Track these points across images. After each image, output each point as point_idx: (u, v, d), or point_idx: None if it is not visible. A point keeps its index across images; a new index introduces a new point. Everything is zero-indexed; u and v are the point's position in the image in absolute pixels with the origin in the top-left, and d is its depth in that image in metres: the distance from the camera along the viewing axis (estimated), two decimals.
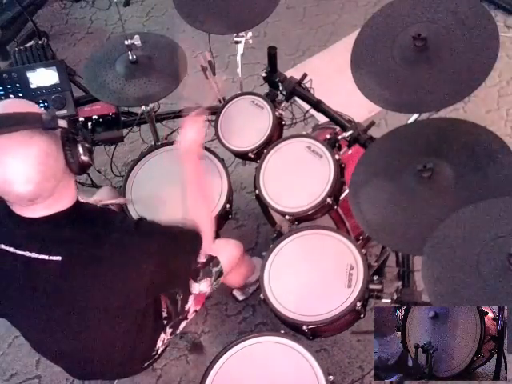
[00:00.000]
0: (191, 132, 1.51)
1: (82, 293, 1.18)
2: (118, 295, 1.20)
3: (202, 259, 1.43)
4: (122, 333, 1.33)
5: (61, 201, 1.14)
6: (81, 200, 1.21)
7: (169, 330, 1.56)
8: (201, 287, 1.60)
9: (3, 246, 1.16)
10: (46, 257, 1.13)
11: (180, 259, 1.31)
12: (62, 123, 1.08)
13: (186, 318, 1.62)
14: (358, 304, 1.44)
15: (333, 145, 1.73)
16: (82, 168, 1.14)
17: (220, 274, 1.66)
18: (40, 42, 2.10)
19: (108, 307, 1.22)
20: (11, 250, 1.16)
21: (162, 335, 1.54)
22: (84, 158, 1.13)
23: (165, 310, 1.55)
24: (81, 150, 1.13)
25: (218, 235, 1.89)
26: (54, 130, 1.07)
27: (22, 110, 1.06)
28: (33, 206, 1.11)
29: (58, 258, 1.13)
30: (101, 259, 1.14)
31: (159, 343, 1.53)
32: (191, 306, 1.61)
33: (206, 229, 1.38)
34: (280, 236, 1.66)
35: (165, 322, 1.54)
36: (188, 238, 1.34)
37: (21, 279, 1.20)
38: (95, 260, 1.14)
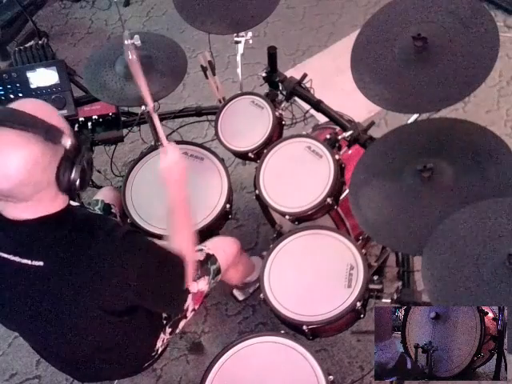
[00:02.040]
0: (172, 155, 1.41)
1: (64, 299, 1.17)
2: (99, 304, 1.19)
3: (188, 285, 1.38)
4: (115, 335, 1.33)
5: (44, 207, 1.13)
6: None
7: (168, 330, 1.56)
8: (199, 285, 1.60)
9: None
10: (28, 261, 1.13)
11: (164, 281, 1.28)
12: (65, 142, 1.06)
13: (185, 317, 1.62)
14: (358, 304, 1.44)
15: (333, 145, 1.73)
16: (70, 189, 1.12)
17: (218, 271, 1.66)
18: (40, 42, 2.10)
19: (92, 314, 1.21)
20: None
21: (162, 335, 1.53)
22: (76, 181, 1.11)
23: None
24: (74, 173, 1.11)
25: (217, 235, 1.90)
26: (54, 143, 1.06)
27: (41, 116, 1.05)
28: (18, 207, 1.11)
29: (40, 263, 1.13)
30: (83, 267, 1.13)
31: (159, 343, 1.53)
32: (190, 304, 1.61)
33: (189, 256, 1.35)
34: (280, 236, 1.66)
35: (164, 322, 1.54)
36: (173, 261, 1.31)
37: (5, 282, 1.20)
38: (77, 267, 1.13)
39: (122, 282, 1.17)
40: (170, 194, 1.39)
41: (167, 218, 1.39)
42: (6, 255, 1.15)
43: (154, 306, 1.34)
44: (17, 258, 1.14)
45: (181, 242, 1.34)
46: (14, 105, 1.08)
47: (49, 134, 1.04)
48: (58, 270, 1.14)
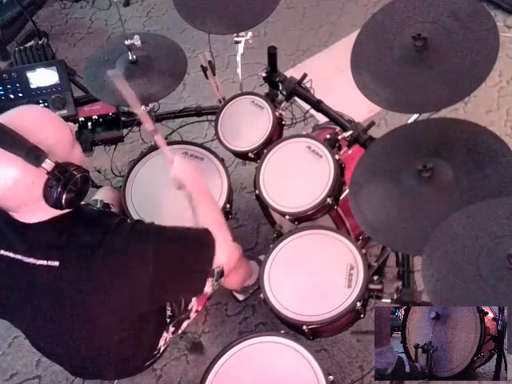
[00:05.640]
0: (180, 164, 1.42)
1: (80, 297, 1.18)
2: (116, 300, 1.19)
3: (221, 261, 1.36)
4: (123, 333, 1.33)
5: (52, 210, 1.12)
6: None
7: (171, 329, 1.56)
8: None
9: (2, 252, 1.17)
10: (43, 262, 1.14)
11: (185, 261, 1.26)
12: (47, 165, 1.05)
13: (189, 318, 1.63)
14: (358, 304, 1.44)
15: (333, 145, 1.73)
16: (61, 207, 1.11)
17: (221, 274, 1.66)
18: (40, 42, 2.10)
19: (107, 310, 1.22)
20: (10, 255, 1.16)
21: (165, 334, 1.54)
22: (63, 201, 1.09)
23: (169, 308, 1.55)
24: (61, 193, 1.08)
25: None
26: (35, 166, 1.04)
27: (31, 131, 1.05)
28: (27, 213, 1.11)
29: (56, 263, 1.13)
30: (97, 264, 1.14)
31: (161, 342, 1.53)
32: (194, 305, 1.61)
33: (221, 231, 1.35)
34: (280, 236, 1.66)
35: (168, 320, 1.55)
36: (194, 238, 1.29)
37: (20, 284, 1.20)
38: (92, 265, 1.14)
39: (138, 273, 1.17)
40: (189, 193, 1.40)
41: (193, 213, 1.39)
42: (20, 257, 1.16)
43: (175, 289, 1.31)
44: (31, 260, 1.15)
45: (212, 222, 1.34)
46: (6, 115, 1.08)
47: (29, 156, 1.03)
48: (74, 268, 1.14)
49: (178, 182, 1.41)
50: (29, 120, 1.09)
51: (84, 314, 1.22)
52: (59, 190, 1.07)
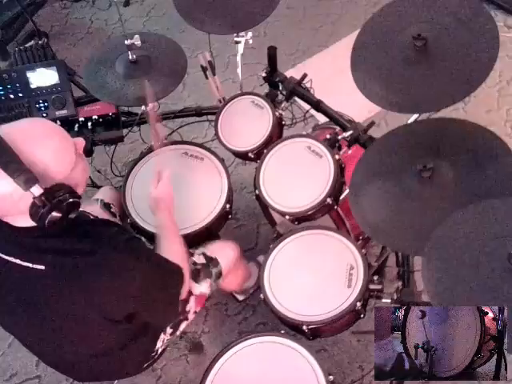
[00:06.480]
0: (163, 187, 1.52)
1: (62, 303, 1.18)
2: (99, 310, 1.20)
3: (183, 297, 1.43)
4: (115, 338, 1.33)
5: (30, 220, 1.11)
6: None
7: (169, 331, 1.56)
8: (201, 288, 1.60)
9: None
10: (29, 264, 1.14)
11: (163, 291, 1.31)
12: (35, 190, 1.04)
13: (187, 319, 1.62)
14: (358, 304, 1.43)
15: (333, 145, 1.73)
16: (41, 225, 1.10)
17: (219, 274, 1.66)
18: (40, 42, 2.10)
19: (91, 320, 1.22)
20: None
21: (162, 336, 1.53)
22: (46, 221, 1.08)
23: None
24: (47, 214, 1.07)
25: (217, 236, 1.90)
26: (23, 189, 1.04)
27: (32, 146, 1.06)
28: (19, 217, 1.11)
29: (41, 267, 1.14)
30: (84, 273, 1.14)
31: (159, 344, 1.53)
32: (192, 306, 1.61)
33: (184, 266, 1.39)
34: (280, 236, 1.66)
35: None
36: (173, 270, 1.34)
37: (5, 284, 1.21)
38: (78, 273, 1.14)
39: (123, 289, 1.18)
40: (161, 218, 1.48)
41: (157, 241, 1.43)
42: (7, 257, 1.16)
43: (150, 315, 1.35)
44: (18, 261, 1.15)
45: (175, 258, 1.36)
46: (9, 127, 1.09)
47: (19, 179, 1.03)
48: (58, 274, 1.14)
49: (154, 204, 1.48)
50: (29, 137, 1.09)
51: (67, 320, 1.22)
52: (44, 212, 1.07)
